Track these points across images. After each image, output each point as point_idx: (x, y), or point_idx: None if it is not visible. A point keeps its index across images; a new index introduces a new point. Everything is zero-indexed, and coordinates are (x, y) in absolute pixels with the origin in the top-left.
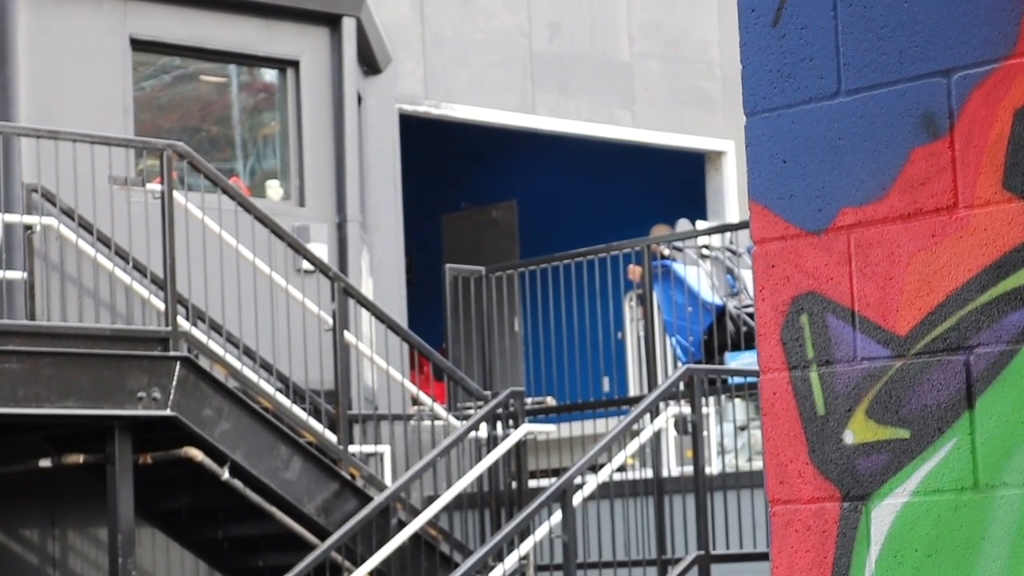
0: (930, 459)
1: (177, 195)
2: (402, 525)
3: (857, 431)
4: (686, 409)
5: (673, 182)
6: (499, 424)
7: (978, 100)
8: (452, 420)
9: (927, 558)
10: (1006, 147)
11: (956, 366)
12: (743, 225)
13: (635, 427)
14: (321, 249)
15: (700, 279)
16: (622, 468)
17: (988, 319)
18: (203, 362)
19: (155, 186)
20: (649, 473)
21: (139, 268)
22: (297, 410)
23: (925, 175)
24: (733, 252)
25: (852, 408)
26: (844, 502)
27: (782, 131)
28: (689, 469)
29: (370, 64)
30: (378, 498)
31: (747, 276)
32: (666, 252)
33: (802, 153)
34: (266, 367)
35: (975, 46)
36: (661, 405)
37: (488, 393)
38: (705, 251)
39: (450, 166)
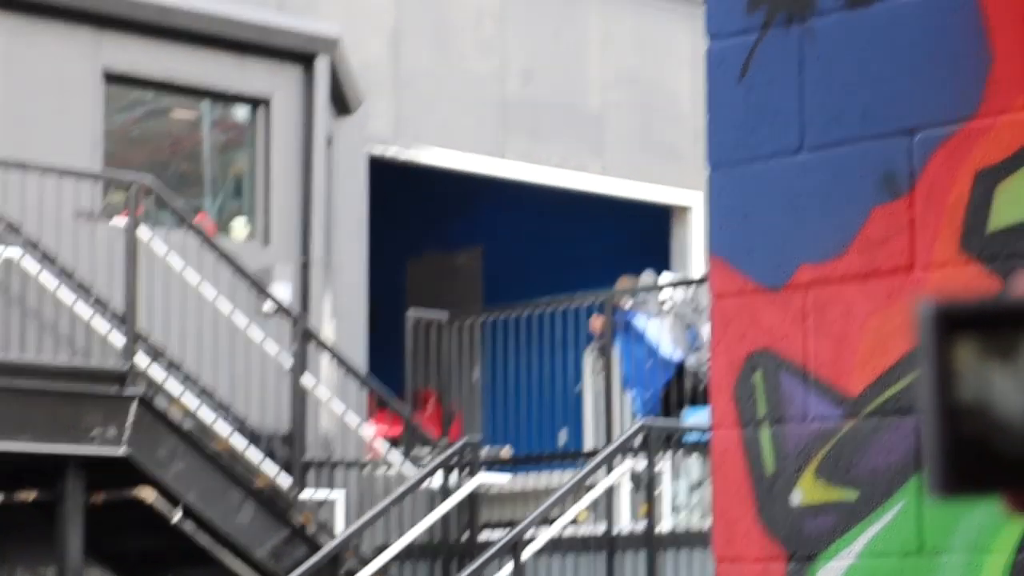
0: (877, 522)
1: (141, 231)
2: (352, 574)
3: (806, 491)
4: (641, 464)
5: (639, 234)
6: (454, 473)
7: (939, 161)
8: (406, 468)
9: None
10: (965, 209)
11: (906, 429)
12: (705, 280)
13: (589, 481)
14: (284, 289)
15: (661, 333)
16: (575, 522)
17: None
18: (160, 401)
19: (120, 220)
20: (602, 528)
21: (100, 303)
22: (252, 453)
23: (884, 234)
24: (695, 308)
25: (801, 468)
26: (790, 563)
27: (744, 185)
28: (642, 525)
29: (341, 104)
30: (328, 545)
31: (707, 332)
32: (628, 306)
33: (763, 208)
34: (224, 408)
35: (938, 107)
36: (616, 460)
37: (444, 441)
38: (667, 305)
39: (417, 210)
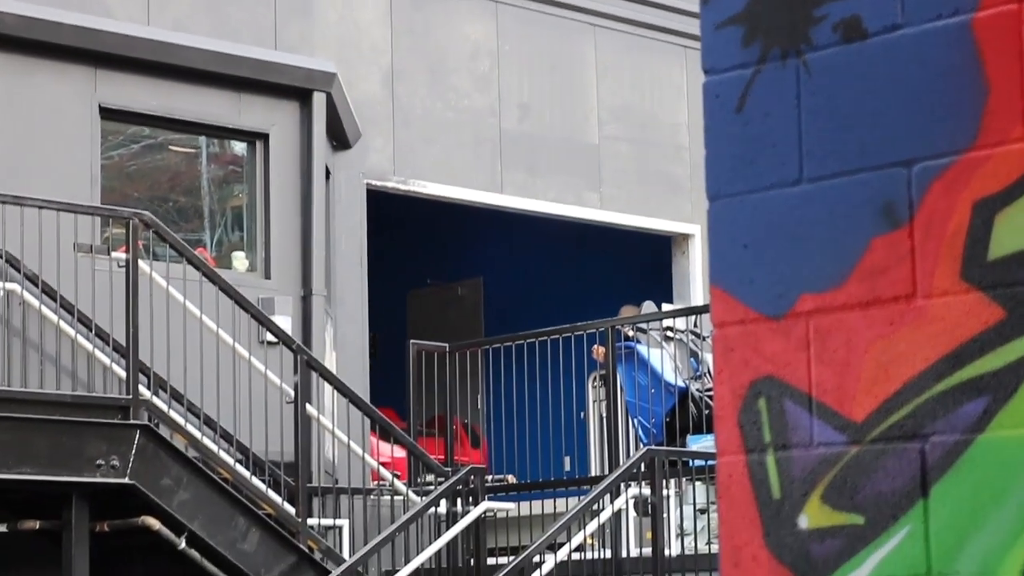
0: (883, 546)
1: (142, 264)
2: None
3: (812, 516)
4: (646, 490)
5: (639, 264)
6: (459, 500)
7: (938, 191)
8: (412, 495)
9: None
10: (964, 238)
11: (911, 454)
12: (707, 308)
13: (595, 507)
14: (285, 322)
15: (663, 361)
16: (580, 548)
17: (944, 408)
18: (163, 431)
19: (120, 255)
20: (608, 554)
21: (102, 336)
22: (256, 481)
23: (884, 264)
24: (697, 335)
25: (807, 493)
26: None
27: (744, 216)
28: (648, 551)
29: (339, 139)
30: (335, 572)
31: (710, 359)
32: (630, 333)
33: (763, 239)
34: (227, 437)
35: (936, 138)
36: (622, 486)
37: (448, 469)
38: (669, 333)
39: (417, 242)
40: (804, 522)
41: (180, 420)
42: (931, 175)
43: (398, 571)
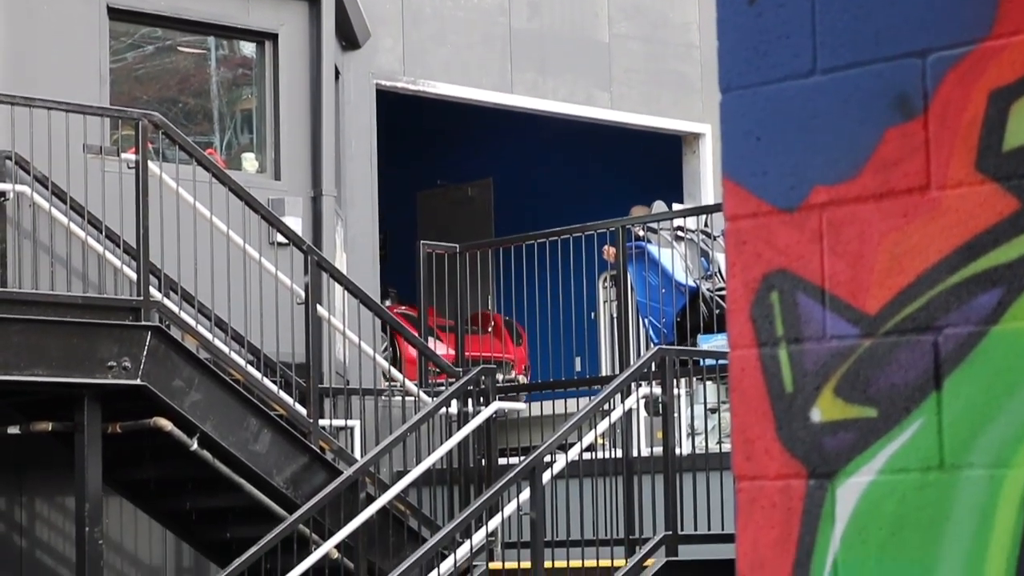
0: (896, 438)
1: (152, 166)
2: (371, 499)
3: (825, 409)
4: (657, 390)
5: (650, 164)
6: (470, 401)
7: (953, 81)
8: (423, 396)
9: (891, 536)
10: (980, 129)
11: (924, 346)
12: (718, 207)
13: (606, 407)
14: (295, 223)
15: (674, 261)
16: (591, 448)
17: (957, 300)
18: (175, 333)
19: (129, 156)
20: (619, 453)
21: (112, 238)
22: (268, 383)
23: (898, 155)
24: (707, 234)
25: (820, 386)
26: (810, 479)
27: (756, 108)
28: (659, 450)
29: (349, 39)
30: (347, 472)
31: (721, 259)
32: (641, 233)
33: (776, 131)
34: (238, 339)
35: (951, 27)
36: (632, 385)
37: (460, 370)
38: (680, 233)
39: (427, 143)
40: (817, 415)
41: (191, 321)
42: (946, 65)
43: (409, 471)
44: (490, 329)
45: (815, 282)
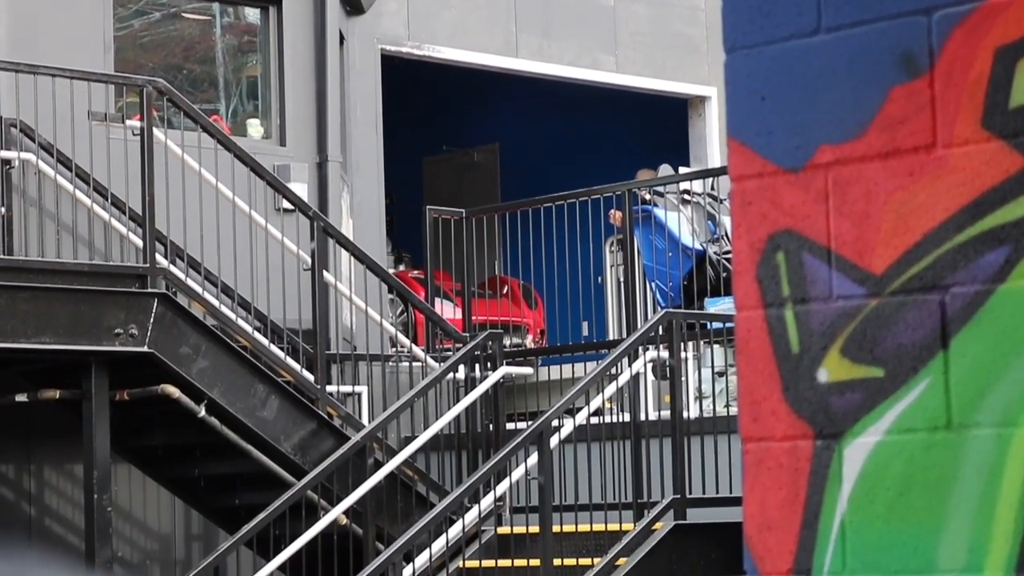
0: (904, 398)
1: (157, 132)
2: (379, 465)
3: (831, 369)
4: (664, 354)
5: (656, 127)
6: (477, 366)
7: (959, 39)
8: (430, 361)
9: (899, 496)
10: (986, 86)
11: (931, 305)
12: (724, 171)
13: (613, 371)
14: (301, 189)
15: (681, 225)
16: (599, 412)
17: (964, 259)
18: (181, 300)
19: (134, 123)
20: (627, 417)
21: (118, 205)
22: (275, 349)
23: (904, 114)
24: (714, 198)
25: (827, 346)
26: (817, 440)
27: (761, 68)
28: (666, 413)
29: (353, 4)
30: (355, 437)
31: (728, 222)
32: (647, 197)
33: (781, 90)
34: (244, 306)
35: None
36: (640, 349)
37: (467, 335)
38: (686, 196)
39: (432, 108)
40: (823, 376)
41: (198, 288)
42: (952, 22)
43: (417, 437)
44: (505, 292)
45: (821, 242)
